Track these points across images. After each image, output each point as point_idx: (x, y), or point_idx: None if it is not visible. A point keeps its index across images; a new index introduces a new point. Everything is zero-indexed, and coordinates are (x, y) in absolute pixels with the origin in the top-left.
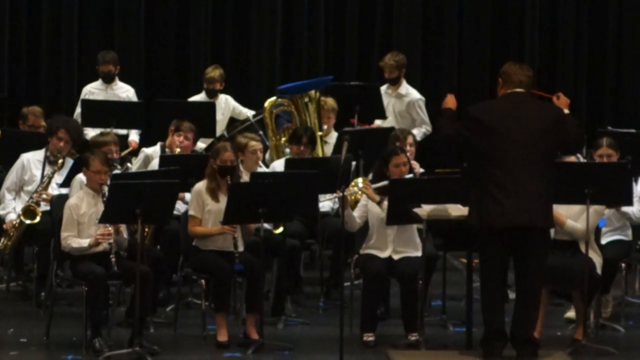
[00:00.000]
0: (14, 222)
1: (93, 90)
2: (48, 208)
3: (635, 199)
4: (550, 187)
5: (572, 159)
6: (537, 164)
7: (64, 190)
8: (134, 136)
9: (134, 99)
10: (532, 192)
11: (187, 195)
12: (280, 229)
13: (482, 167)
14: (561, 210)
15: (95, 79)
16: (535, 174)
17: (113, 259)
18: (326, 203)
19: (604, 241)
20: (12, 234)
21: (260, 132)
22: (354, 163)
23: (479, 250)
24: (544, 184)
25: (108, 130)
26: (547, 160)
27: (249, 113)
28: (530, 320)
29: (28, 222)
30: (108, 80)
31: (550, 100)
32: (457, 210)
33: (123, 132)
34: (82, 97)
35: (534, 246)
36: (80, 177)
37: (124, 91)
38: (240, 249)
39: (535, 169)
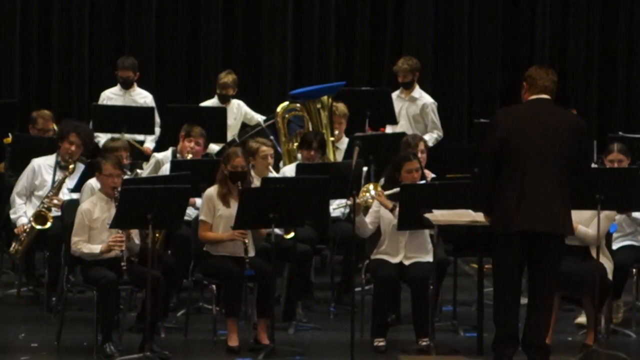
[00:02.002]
0: (25, 227)
1: (111, 96)
2: (59, 213)
3: None
4: (568, 195)
5: None
6: (557, 171)
7: (74, 196)
8: (148, 143)
9: (152, 105)
10: (552, 198)
11: (198, 201)
12: (291, 234)
13: (504, 172)
14: (572, 216)
15: (107, 85)
16: (555, 181)
17: (124, 267)
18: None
19: (615, 246)
20: (23, 238)
21: (271, 137)
22: (365, 168)
23: (494, 254)
24: (564, 191)
25: (118, 135)
26: (567, 168)
27: (260, 119)
28: (543, 326)
29: (39, 227)
30: (126, 86)
31: None
32: (477, 216)
33: (140, 137)
34: (100, 102)
35: (551, 252)
36: (91, 182)
37: (142, 97)
38: (251, 254)
39: (555, 176)
